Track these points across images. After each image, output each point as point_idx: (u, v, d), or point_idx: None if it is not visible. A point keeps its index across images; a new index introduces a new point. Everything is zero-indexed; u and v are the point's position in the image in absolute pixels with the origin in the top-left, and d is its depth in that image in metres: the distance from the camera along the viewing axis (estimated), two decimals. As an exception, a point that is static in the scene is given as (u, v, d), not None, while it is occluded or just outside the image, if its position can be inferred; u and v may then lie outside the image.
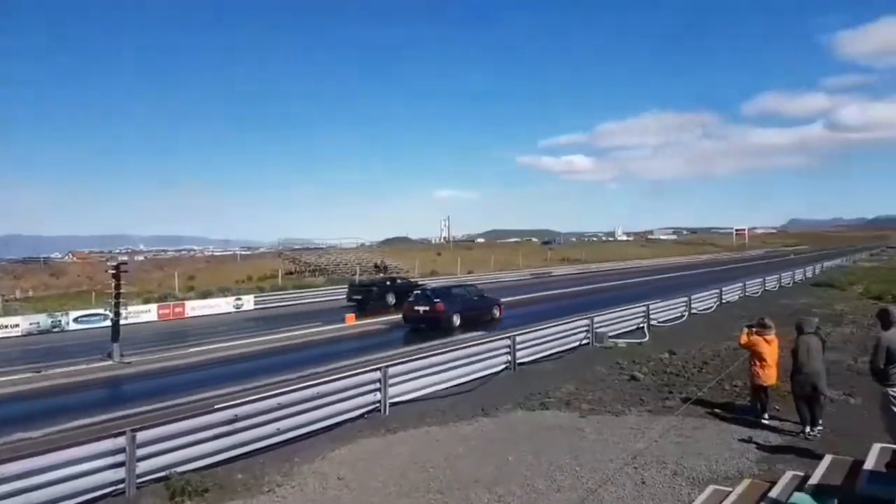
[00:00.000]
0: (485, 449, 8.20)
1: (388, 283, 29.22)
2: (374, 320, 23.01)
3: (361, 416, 9.93)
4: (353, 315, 22.87)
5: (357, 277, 35.68)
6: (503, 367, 13.10)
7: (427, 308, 20.42)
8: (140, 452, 7.12)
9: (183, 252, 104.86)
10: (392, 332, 20.02)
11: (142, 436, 7.18)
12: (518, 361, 13.42)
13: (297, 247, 63.86)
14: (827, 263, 49.90)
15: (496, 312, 21.97)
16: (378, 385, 10.20)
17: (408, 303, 21.55)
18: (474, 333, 18.05)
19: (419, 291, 22.36)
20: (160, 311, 27.94)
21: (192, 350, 18.06)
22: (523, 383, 11.99)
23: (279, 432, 8.65)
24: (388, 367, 10.46)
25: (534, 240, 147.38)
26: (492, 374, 12.68)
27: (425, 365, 11.30)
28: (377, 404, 10.18)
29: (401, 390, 10.63)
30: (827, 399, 8.52)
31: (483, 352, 12.74)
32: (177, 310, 28.59)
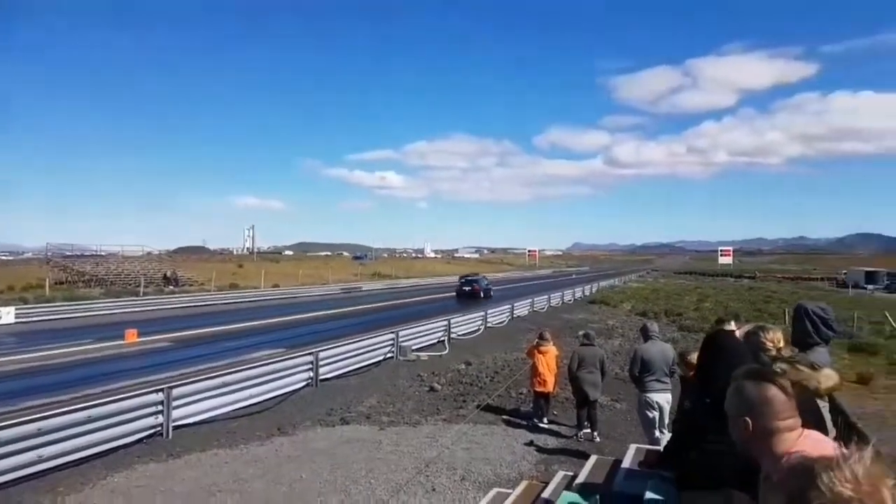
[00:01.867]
0: (278, 469, 7.94)
1: (477, 274, 46.69)
2: (160, 337, 21.19)
3: (140, 440, 9.07)
4: (134, 331, 20.81)
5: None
6: (305, 383, 12.81)
7: (470, 288, 38.76)
8: None
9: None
10: (179, 351, 18.54)
11: None
12: (321, 377, 13.20)
13: (69, 253, 56.31)
14: (602, 283, 55.91)
15: (491, 293, 39.56)
16: (160, 407, 9.40)
17: (458, 285, 40.23)
18: (273, 350, 17.42)
19: (464, 280, 41.32)
20: None
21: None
22: (325, 399, 11.82)
23: (41, 459, 7.61)
24: (172, 387, 9.69)
25: (345, 254, 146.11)
26: (292, 391, 12.33)
27: (216, 385, 10.64)
28: (159, 427, 9.37)
29: (187, 412, 9.90)
30: (597, 404, 9.53)
31: (282, 369, 12.34)
32: None
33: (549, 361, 10.06)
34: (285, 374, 12.36)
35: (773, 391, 1.92)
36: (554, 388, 10.30)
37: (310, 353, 13.26)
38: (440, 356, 16.80)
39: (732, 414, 1.97)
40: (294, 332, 22.33)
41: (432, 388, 12.55)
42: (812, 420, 2.46)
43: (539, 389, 10.00)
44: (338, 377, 13.72)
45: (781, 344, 3.36)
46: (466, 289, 39.23)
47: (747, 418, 1.91)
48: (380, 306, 33.16)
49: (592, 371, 9.17)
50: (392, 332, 16.66)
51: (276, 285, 48.75)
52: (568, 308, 33.82)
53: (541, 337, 10.35)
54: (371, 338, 16.03)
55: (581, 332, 10.20)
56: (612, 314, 30.48)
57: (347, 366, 14.28)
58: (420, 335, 18.18)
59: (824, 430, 2.71)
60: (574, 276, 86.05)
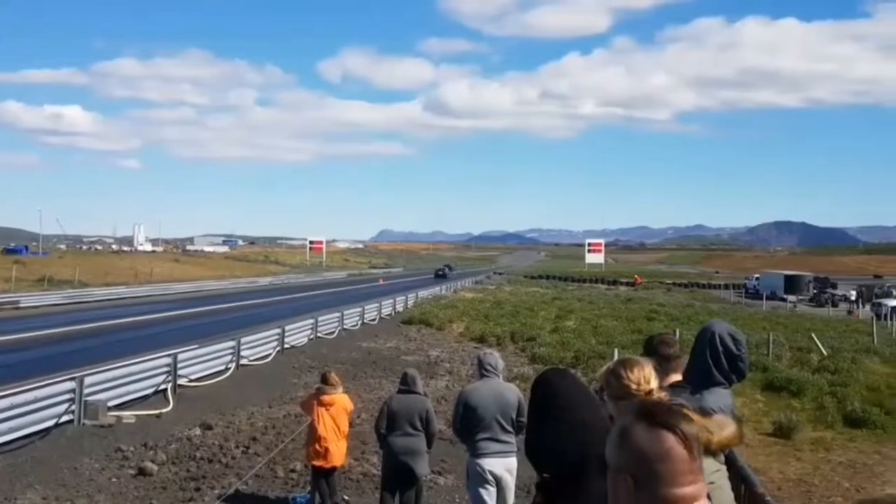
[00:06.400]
0: None
1: (449, 266, 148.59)
2: None
3: None
4: None
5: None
6: None
7: (443, 272, 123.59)
8: None
9: None
10: None
11: None
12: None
13: None
14: (423, 293, 58.05)
15: (453, 270, 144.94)
16: None
17: (436, 271, 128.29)
18: None
19: (440, 268, 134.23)
20: None
21: None
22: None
23: None
24: None
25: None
26: None
27: None
28: None
29: None
30: (421, 485, 9.50)
31: None
32: None
33: (336, 418, 9.90)
34: None
35: (672, 442, 1.97)
36: (343, 460, 10.16)
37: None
38: (158, 415, 16.14)
39: (613, 465, 2.02)
40: None
41: (143, 471, 12.00)
42: None
43: (318, 463, 9.84)
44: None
45: (652, 384, 3.48)
46: (441, 273, 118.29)
47: (629, 476, 1.96)
48: (49, 335, 31.18)
49: (411, 433, 9.00)
50: (71, 379, 15.62)
51: None
52: (371, 331, 34.31)
53: (324, 380, 10.19)
54: (28, 390, 14.88)
55: (403, 373, 10.07)
56: (437, 340, 31.47)
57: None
58: (123, 383, 17.24)
59: None
60: (382, 283, 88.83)
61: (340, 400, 10.08)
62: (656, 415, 2.03)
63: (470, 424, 7.69)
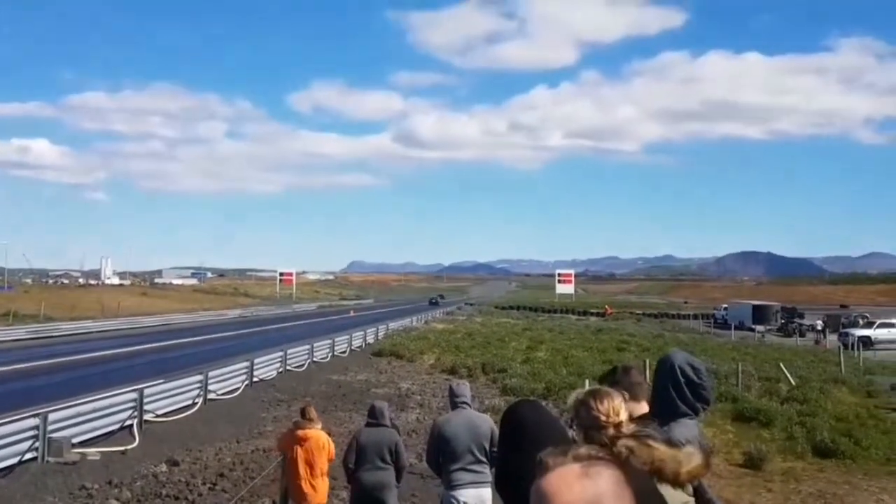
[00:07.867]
0: None
1: (441, 295, 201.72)
2: None
3: None
4: None
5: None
6: None
7: (436, 301, 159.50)
8: None
9: None
10: None
11: None
12: None
13: None
14: (393, 324, 57.99)
15: (444, 298, 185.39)
16: None
17: (429, 299, 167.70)
18: None
19: (433, 297, 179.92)
20: None
21: None
22: None
23: None
24: None
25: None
26: None
27: None
28: None
29: None
30: None
31: None
32: None
33: (314, 454, 9.68)
34: None
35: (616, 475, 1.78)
36: (322, 499, 9.97)
37: None
38: (124, 452, 15.90)
39: None
40: None
41: (108, 510, 11.77)
42: None
43: (291, 501, 9.69)
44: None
45: (621, 415, 3.46)
46: (433, 301, 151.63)
47: None
48: (13, 370, 30.74)
49: (381, 466, 8.95)
50: (34, 416, 15.38)
51: None
52: (342, 364, 34.14)
53: (303, 415, 9.97)
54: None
55: (371, 406, 9.94)
56: (408, 372, 31.33)
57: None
58: (88, 419, 16.96)
59: None
60: (352, 314, 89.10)
61: (315, 436, 9.79)
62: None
63: (444, 456, 7.66)
